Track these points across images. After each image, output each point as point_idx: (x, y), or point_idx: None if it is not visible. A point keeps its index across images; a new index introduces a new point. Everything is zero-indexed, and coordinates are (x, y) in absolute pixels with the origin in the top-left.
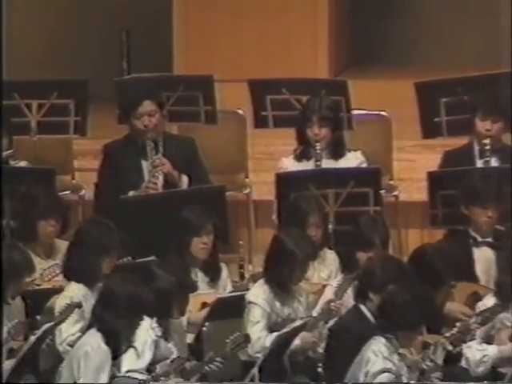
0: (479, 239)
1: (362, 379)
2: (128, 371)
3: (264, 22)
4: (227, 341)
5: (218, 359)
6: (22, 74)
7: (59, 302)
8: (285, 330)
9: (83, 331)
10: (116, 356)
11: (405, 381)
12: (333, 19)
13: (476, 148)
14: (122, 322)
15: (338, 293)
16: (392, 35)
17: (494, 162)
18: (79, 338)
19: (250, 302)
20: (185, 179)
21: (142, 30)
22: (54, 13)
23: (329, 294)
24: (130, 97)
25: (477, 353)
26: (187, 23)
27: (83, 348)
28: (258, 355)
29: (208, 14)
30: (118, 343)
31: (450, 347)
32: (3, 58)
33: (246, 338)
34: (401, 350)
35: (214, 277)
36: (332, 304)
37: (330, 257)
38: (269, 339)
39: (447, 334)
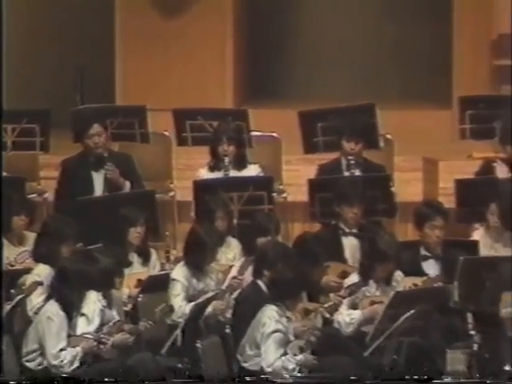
0: (347, 230)
1: (258, 338)
2: (82, 333)
3: (185, 62)
4: (156, 310)
5: (149, 323)
6: None
7: (29, 279)
8: (200, 300)
9: (45, 301)
10: (70, 320)
11: (291, 338)
12: (237, 62)
13: (343, 162)
14: (74, 294)
15: (240, 271)
16: (283, 74)
17: (357, 173)
18: (42, 306)
19: (173, 279)
20: (127, 184)
21: (92, 68)
22: (18, 53)
23: (234, 272)
24: (83, 121)
25: (346, 317)
26: (127, 64)
27: (46, 314)
28: (180, 320)
29: (144, 57)
30: (71, 311)
31: (327, 315)
32: None
33: (171, 308)
34: (288, 314)
35: (145, 259)
36: (235, 280)
37: (234, 243)
38: (188, 308)
39: (326, 305)
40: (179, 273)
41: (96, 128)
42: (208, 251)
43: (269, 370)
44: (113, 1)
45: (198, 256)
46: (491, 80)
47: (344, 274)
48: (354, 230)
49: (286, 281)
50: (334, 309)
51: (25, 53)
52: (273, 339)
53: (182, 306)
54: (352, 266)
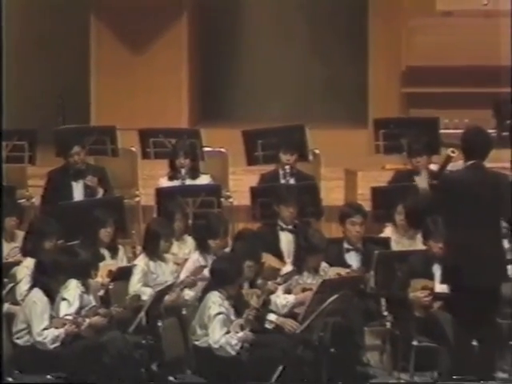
0: (284, 227)
1: (205, 319)
2: (64, 315)
3: (149, 89)
4: (126, 298)
5: (118, 308)
6: None
7: (19, 270)
8: (160, 288)
9: (30, 288)
10: (52, 303)
11: (232, 318)
12: (191, 89)
13: (280, 172)
14: (55, 281)
15: (193, 273)
16: (229, 99)
17: (291, 181)
18: (29, 293)
19: (135, 265)
20: (101, 190)
21: (71, 94)
22: (10, 81)
23: (189, 265)
24: (65, 143)
25: (282, 300)
26: (100, 91)
27: (31, 299)
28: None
29: (114, 85)
30: (52, 296)
31: (265, 297)
32: None
33: (138, 297)
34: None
35: (114, 254)
36: (188, 279)
37: (189, 240)
38: (147, 291)
39: (262, 288)
40: (140, 259)
41: (76, 148)
42: (161, 240)
43: (215, 346)
44: (88, 37)
45: (154, 244)
46: (400, 105)
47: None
48: (290, 227)
49: (224, 269)
50: (272, 292)
51: (16, 81)
52: (217, 320)
53: (137, 286)
54: (287, 257)
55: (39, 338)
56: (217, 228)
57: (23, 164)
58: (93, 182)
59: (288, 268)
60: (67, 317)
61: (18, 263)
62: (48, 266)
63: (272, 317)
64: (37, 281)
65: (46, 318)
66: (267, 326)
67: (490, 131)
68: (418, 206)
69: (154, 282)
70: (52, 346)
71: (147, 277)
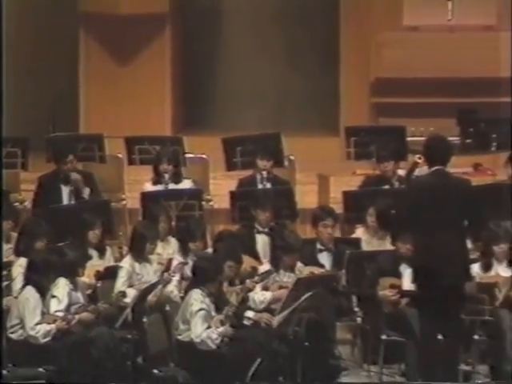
0: (260, 229)
1: (188, 315)
2: (55, 311)
3: (134, 99)
4: (112, 295)
5: (105, 305)
6: None
7: (14, 269)
8: (145, 286)
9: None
10: (44, 300)
11: (213, 314)
12: (174, 99)
13: (258, 177)
14: (44, 280)
15: (173, 271)
16: (210, 109)
17: (268, 186)
18: (22, 290)
19: (120, 266)
20: (87, 191)
21: (61, 104)
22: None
23: (173, 264)
24: (59, 151)
25: (260, 296)
26: (88, 101)
27: (24, 296)
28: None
29: (101, 95)
30: (43, 293)
31: (244, 294)
32: None
33: (123, 294)
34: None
35: (102, 254)
36: (168, 275)
37: (173, 241)
38: (130, 290)
39: (241, 286)
40: (125, 261)
41: (70, 157)
42: (146, 244)
43: (197, 340)
44: (77, 50)
45: (139, 247)
46: (370, 114)
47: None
48: (266, 230)
49: (203, 268)
50: (250, 290)
51: (9, 92)
52: (199, 316)
53: (122, 287)
54: (263, 258)
55: (32, 333)
56: (195, 231)
57: (16, 169)
58: (76, 177)
59: (265, 267)
60: (58, 313)
61: (11, 263)
62: (39, 265)
63: (250, 313)
64: (29, 279)
65: (38, 313)
66: (245, 322)
67: (454, 138)
68: (389, 208)
69: (139, 281)
70: (44, 340)
71: (132, 278)
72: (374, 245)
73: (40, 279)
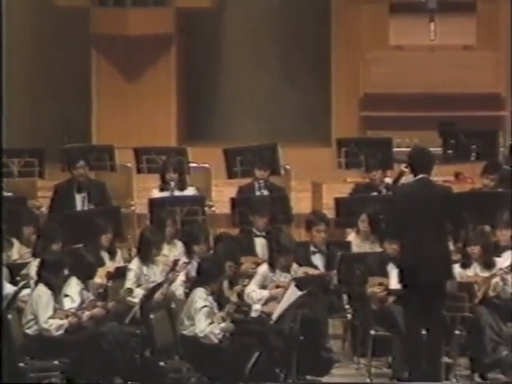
0: (258, 233)
1: (192, 312)
2: (69, 309)
3: (142, 113)
4: (121, 292)
5: (113, 302)
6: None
7: (31, 269)
8: (152, 285)
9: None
10: (55, 296)
11: (215, 311)
12: (179, 112)
13: (256, 185)
14: (56, 278)
15: (178, 269)
16: (212, 122)
17: (265, 193)
18: (35, 288)
19: (129, 269)
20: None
21: (75, 117)
22: (20, 105)
23: (179, 264)
24: (71, 158)
25: (258, 294)
26: (100, 115)
27: (37, 293)
28: (135, 300)
29: (112, 109)
30: (55, 291)
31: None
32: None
33: (130, 291)
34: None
35: (113, 256)
36: (173, 274)
37: (179, 244)
38: (139, 290)
39: (241, 286)
40: (134, 263)
41: (81, 163)
42: (153, 248)
43: (201, 335)
44: (90, 67)
45: (147, 251)
46: (359, 126)
47: (257, 264)
48: (263, 233)
49: (206, 269)
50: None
51: (26, 106)
52: (202, 312)
53: (131, 287)
54: (262, 258)
55: (45, 326)
56: (198, 235)
57: (34, 178)
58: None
59: (263, 267)
60: (70, 310)
61: (27, 264)
62: (51, 264)
63: (257, 306)
64: (41, 277)
65: (50, 307)
66: (253, 314)
67: (437, 149)
68: (379, 214)
69: (146, 282)
70: (56, 333)
71: (140, 279)
72: (366, 249)
73: (52, 278)
